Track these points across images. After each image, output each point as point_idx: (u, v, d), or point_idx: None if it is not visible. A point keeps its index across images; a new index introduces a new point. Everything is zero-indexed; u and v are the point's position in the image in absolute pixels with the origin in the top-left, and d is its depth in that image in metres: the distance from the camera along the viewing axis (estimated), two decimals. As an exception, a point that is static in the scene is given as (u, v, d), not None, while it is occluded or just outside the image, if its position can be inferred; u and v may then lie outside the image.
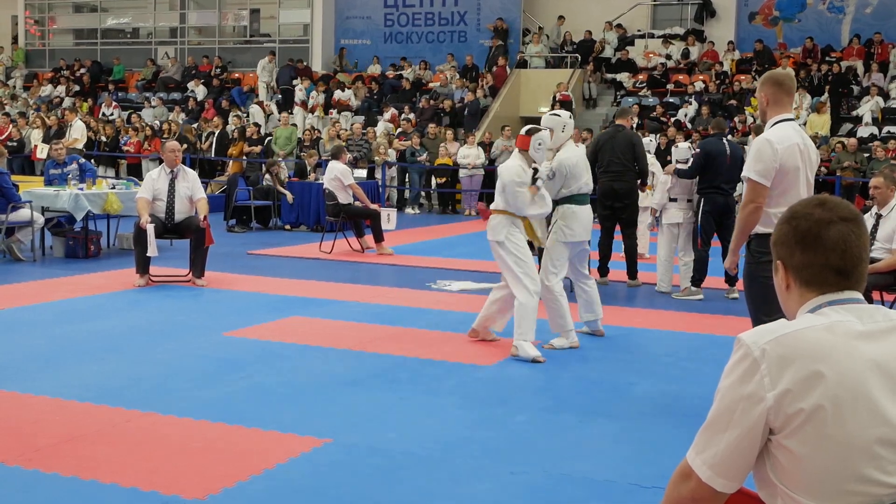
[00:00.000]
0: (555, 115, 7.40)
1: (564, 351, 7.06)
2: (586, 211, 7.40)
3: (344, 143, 16.75)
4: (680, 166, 9.75)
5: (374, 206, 13.08)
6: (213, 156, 20.98)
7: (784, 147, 4.84)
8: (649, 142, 11.55)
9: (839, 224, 2.15)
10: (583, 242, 7.41)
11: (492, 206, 7.24)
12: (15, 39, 30.27)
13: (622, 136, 10.23)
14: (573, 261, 7.45)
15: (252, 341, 7.23)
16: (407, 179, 20.44)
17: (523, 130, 7.18)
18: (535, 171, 6.99)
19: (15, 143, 22.15)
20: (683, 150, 9.95)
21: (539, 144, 7.03)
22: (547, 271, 7.22)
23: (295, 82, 24.50)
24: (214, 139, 21.13)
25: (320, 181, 14.69)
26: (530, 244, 7.14)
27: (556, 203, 7.28)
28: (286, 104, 24.04)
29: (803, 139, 4.99)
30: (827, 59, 21.80)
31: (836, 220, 2.15)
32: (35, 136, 22.34)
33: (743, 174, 4.99)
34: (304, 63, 25.76)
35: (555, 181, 7.25)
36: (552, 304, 7.16)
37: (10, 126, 22.86)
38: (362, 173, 16.78)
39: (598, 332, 7.62)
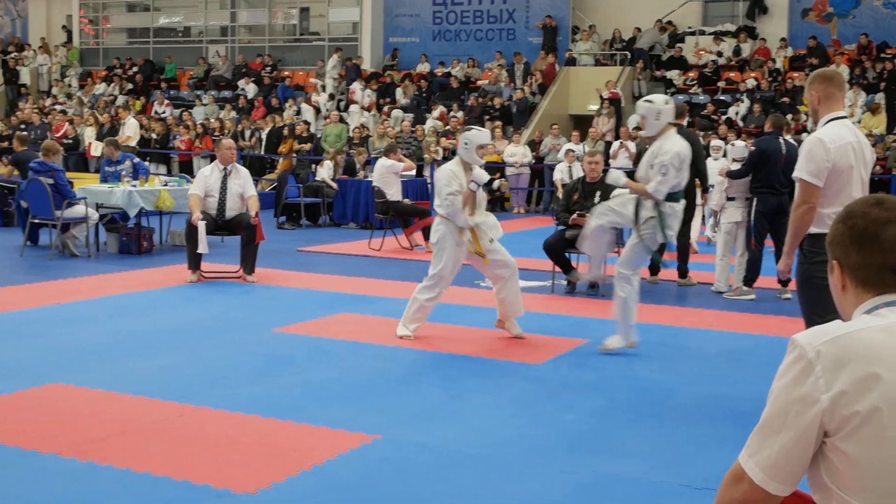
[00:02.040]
0: (647, 100, 6.83)
1: (615, 350, 7.00)
2: (681, 208, 6.84)
3: (395, 142, 16.80)
4: (735, 165, 9.65)
5: (424, 205, 13.10)
6: (262, 153, 21.15)
7: (837, 146, 4.75)
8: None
9: (897, 224, 2.12)
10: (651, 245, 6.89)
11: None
12: (69, 38, 30.72)
13: (683, 134, 10.11)
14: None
15: (302, 337, 7.28)
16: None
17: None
18: (489, 185, 7.00)
19: (70, 141, 22.48)
20: (739, 149, 9.85)
21: (465, 144, 7.00)
22: (629, 265, 6.81)
23: (355, 83, 24.65)
24: (264, 137, 21.31)
25: (369, 179, 14.76)
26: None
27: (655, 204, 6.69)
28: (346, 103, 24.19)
29: (857, 137, 4.90)
30: (882, 55, 21.45)
31: (894, 219, 2.12)
32: (89, 133, 22.67)
33: (794, 174, 4.92)
34: (352, 61, 25.88)
35: (668, 177, 6.55)
36: (625, 302, 6.75)
37: (66, 124, 23.22)
38: (411, 171, 16.80)
39: (632, 343, 6.96)
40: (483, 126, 21.33)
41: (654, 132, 6.77)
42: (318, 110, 23.92)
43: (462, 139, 7.05)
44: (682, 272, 10.19)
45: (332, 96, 24.63)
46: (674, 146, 6.62)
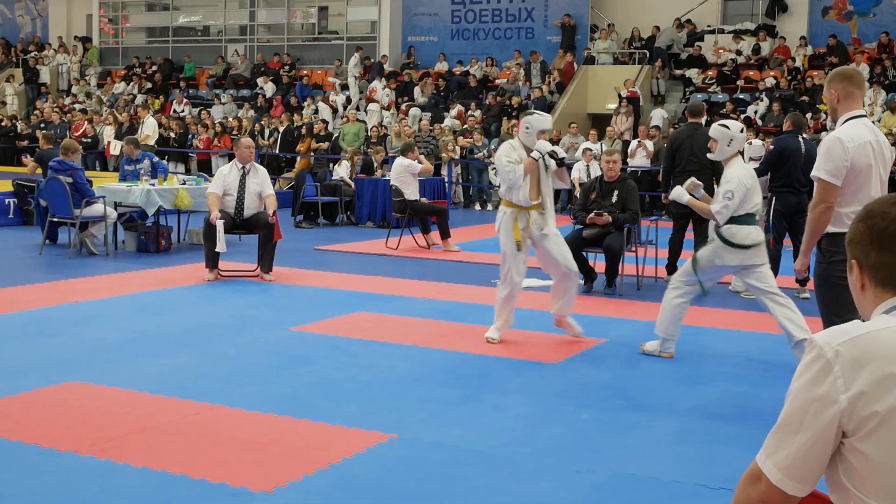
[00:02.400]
0: (723, 125, 6.82)
1: (632, 348, 6.97)
2: (745, 231, 6.63)
3: (413, 141, 16.80)
4: (752, 164, 9.59)
5: (441, 203, 13.10)
6: (276, 151, 21.19)
7: (855, 145, 4.74)
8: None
9: (916, 223, 2.10)
10: (743, 266, 6.69)
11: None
12: (89, 38, 30.88)
13: (701, 133, 10.07)
14: (753, 283, 6.72)
15: (319, 336, 7.29)
16: (469, 177, 20.44)
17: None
18: (553, 153, 7.03)
19: (89, 140, 22.61)
20: (757, 148, 9.79)
21: (527, 128, 7.04)
22: (687, 273, 6.72)
23: (375, 82, 24.69)
24: (279, 136, 21.36)
25: (387, 178, 14.77)
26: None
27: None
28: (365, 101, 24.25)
29: (876, 136, 4.88)
30: (904, 54, 21.33)
31: (914, 218, 2.10)
32: (108, 132, 22.79)
33: (813, 174, 4.89)
34: (372, 60, 25.93)
35: (732, 203, 6.55)
36: (672, 310, 6.69)
37: (85, 123, 23.35)
38: (428, 173, 16.81)
39: (668, 354, 6.83)
40: (500, 125, 21.36)
41: (721, 157, 6.81)
42: (335, 110, 23.96)
43: (524, 123, 7.02)
44: None
45: (349, 99, 24.62)
46: (736, 171, 6.64)
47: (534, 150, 6.97)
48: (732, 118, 19.79)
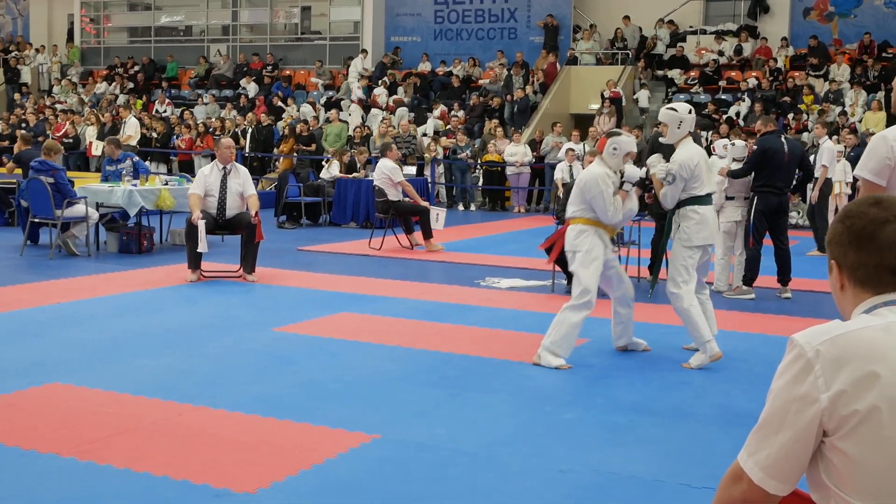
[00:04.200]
0: (671, 108, 6.77)
1: (613, 349, 6.99)
2: (711, 212, 6.75)
3: (392, 140, 16.81)
4: (735, 165, 9.64)
5: (424, 204, 13.11)
6: (247, 151, 20.95)
7: None
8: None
9: (895, 223, 2.11)
10: (709, 247, 6.79)
11: (569, 215, 6.74)
12: (70, 37, 30.73)
13: None
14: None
15: (302, 337, 7.28)
16: (453, 177, 20.45)
17: (604, 133, 6.80)
18: (622, 175, 6.61)
19: (71, 140, 22.49)
20: (739, 149, 9.82)
21: (614, 149, 6.60)
22: (673, 280, 6.62)
23: (357, 82, 24.65)
24: (248, 135, 21.20)
25: (370, 178, 14.76)
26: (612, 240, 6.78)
27: (676, 205, 6.69)
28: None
29: None
30: (883, 55, 21.46)
31: (892, 219, 2.11)
32: (90, 132, 22.67)
33: (855, 172, 4.73)
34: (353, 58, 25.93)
35: (675, 185, 6.56)
36: (683, 316, 6.62)
37: (67, 123, 23.23)
38: (411, 170, 16.84)
39: (714, 356, 6.60)
40: (483, 125, 21.38)
41: (674, 140, 6.74)
42: (320, 107, 23.91)
43: (611, 143, 6.63)
44: None
45: (360, 101, 24.31)
46: (680, 155, 6.60)
47: (625, 182, 6.66)
48: (715, 119, 19.92)
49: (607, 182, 6.54)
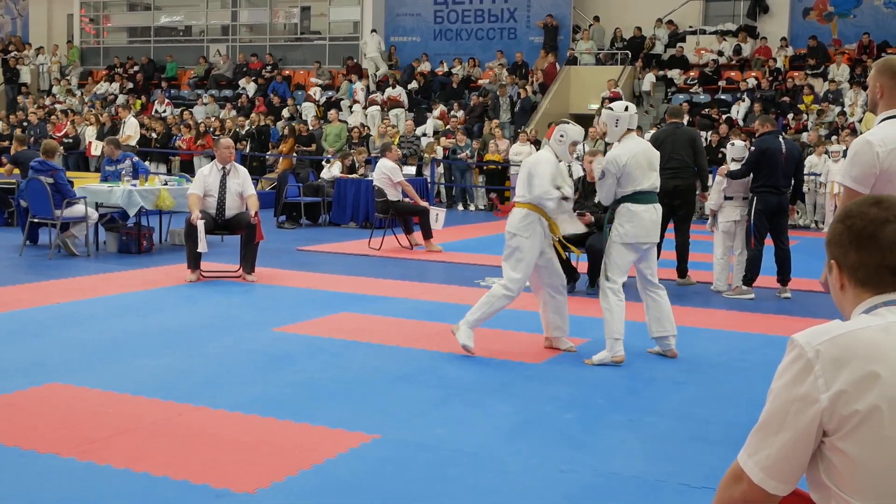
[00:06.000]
0: (608, 108, 6.96)
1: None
2: (648, 211, 6.71)
3: (394, 141, 16.81)
4: (734, 165, 9.64)
5: (424, 204, 13.11)
6: (246, 151, 20.96)
7: (888, 149, 4.18)
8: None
9: (895, 223, 2.11)
10: (646, 245, 6.76)
11: (515, 199, 6.94)
12: (70, 38, 30.73)
13: (682, 132, 10.13)
14: (639, 266, 6.85)
15: (302, 337, 7.27)
16: (452, 177, 20.45)
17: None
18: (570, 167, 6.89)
19: (70, 140, 22.48)
20: (739, 149, 9.83)
21: (561, 136, 6.81)
22: (603, 274, 6.73)
23: (356, 83, 24.64)
24: (237, 136, 21.20)
25: (370, 178, 14.76)
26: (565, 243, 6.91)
27: (614, 202, 6.76)
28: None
29: None
30: (883, 55, 21.39)
31: (892, 218, 2.11)
32: (89, 133, 22.66)
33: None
34: (354, 60, 25.90)
35: (605, 181, 6.68)
36: (604, 311, 6.69)
37: (66, 123, 23.22)
38: (411, 170, 16.84)
39: (670, 353, 6.83)
40: (482, 124, 21.36)
41: (614, 138, 6.87)
42: (321, 108, 23.89)
43: (558, 131, 6.83)
44: (682, 271, 10.19)
45: (370, 102, 24.26)
46: (613, 151, 6.74)
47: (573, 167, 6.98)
48: (714, 119, 19.93)
49: (551, 164, 6.74)
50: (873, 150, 4.20)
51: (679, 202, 9.96)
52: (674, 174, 9.90)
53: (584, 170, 10.00)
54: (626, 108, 6.85)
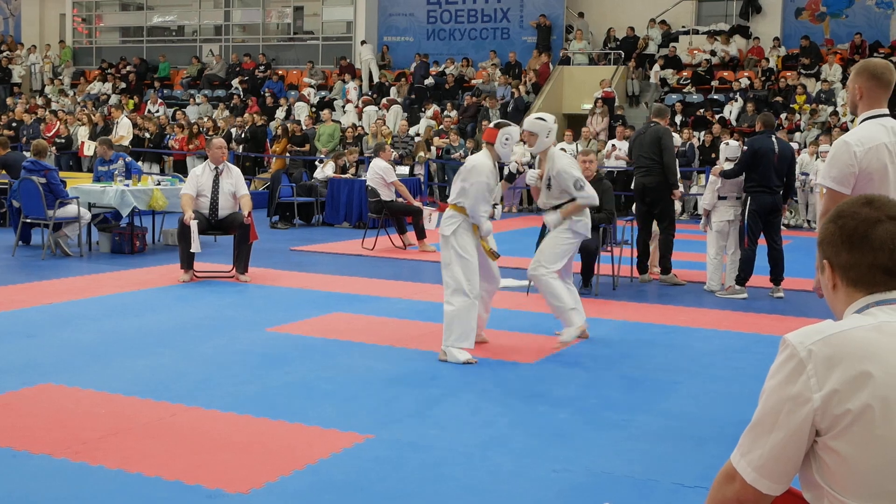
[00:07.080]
0: (539, 118, 7.12)
1: (608, 347, 6.98)
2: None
3: (388, 141, 16.81)
4: (728, 165, 9.66)
5: (417, 204, 13.11)
6: (240, 151, 20.93)
7: (865, 149, 4.31)
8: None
9: (887, 223, 2.11)
10: (582, 237, 7.22)
11: (450, 200, 6.89)
12: (63, 38, 30.66)
13: (650, 131, 10.19)
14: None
15: (295, 337, 7.27)
16: (446, 177, 20.46)
17: (492, 123, 6.92)
18: (503, 166, 6.93)
19: (63, 141, 22.44)
20: (733, 149, 9.85)
21: (506, 140, 6.79)
22: (539, 262, 7.00)
23: (349, 83, 24.63)
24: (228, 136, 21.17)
25: (363, 178, 14.76)
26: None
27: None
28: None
29: (894, 137, 4.42)
30: (875, 55, 21.48)
31: (884, 218, 2.12)
32: (82, 133, 22.62)
33: (818, 181, 4.75)
34: (348, 60, 25.88)
35: (552, 191, 7.10)
36: (544, 291, 6.96)
37: (58, 123, 23.17)
38: (404, 170, 16.84)
39: (580, 327, 7.13)
40: (476, 124, 21.37)
41: (540, 150, 7.10)
42: (316, 109, 23.88)
43: (503, 134, 6.79)
44: (665, 269, 10.22)
45: (365, 102, 24.25)
46: (570, 162, 7.18)
47: (510, 174, 7.18)
48: (708, 119, 19.96)
49: (486, 173, 6.71)
50: (850, 149, 4.31)
51: (651, 199, 10.07)
52: (644, 172, 10.04)
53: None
54: (555, 121, 7.13)
